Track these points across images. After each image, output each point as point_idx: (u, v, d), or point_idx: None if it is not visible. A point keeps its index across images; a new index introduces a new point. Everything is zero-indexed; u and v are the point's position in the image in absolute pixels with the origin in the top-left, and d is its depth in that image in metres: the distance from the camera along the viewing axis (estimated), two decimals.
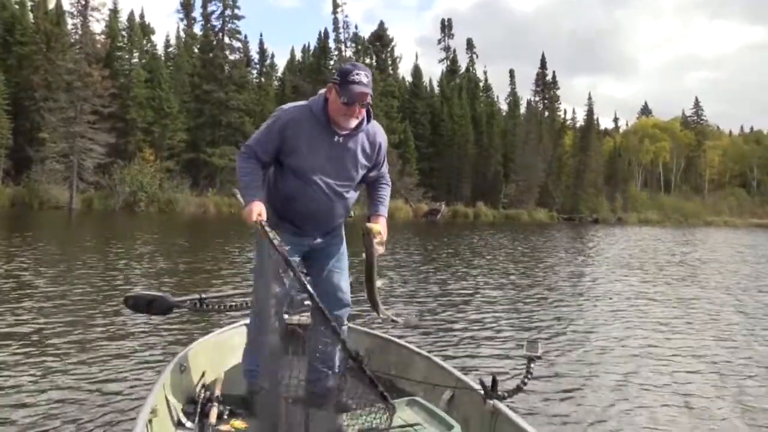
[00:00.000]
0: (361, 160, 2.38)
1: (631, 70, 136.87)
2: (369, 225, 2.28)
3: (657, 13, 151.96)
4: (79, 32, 34.48)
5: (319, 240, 2.44)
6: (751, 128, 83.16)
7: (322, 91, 2.36)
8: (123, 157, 33.90)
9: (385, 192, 2.50)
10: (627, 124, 78.84)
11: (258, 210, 2.21)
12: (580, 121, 58.10)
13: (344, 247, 2.55)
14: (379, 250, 2.25)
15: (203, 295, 3.13)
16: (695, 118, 75.58)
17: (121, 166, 32.71)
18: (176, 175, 35.68)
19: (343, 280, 2.51)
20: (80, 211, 29.69)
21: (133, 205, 32.04)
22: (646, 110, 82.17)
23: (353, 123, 2.29)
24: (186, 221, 26.50)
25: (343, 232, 2.57)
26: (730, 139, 78.47)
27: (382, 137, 2.42)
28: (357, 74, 2.21)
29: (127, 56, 39.29)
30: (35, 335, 4.72)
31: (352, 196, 2.44)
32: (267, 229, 2.13)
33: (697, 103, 76.73)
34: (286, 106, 2.39)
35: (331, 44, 46.10)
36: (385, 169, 2.52)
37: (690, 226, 50.35)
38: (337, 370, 2.45)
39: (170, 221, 25.43)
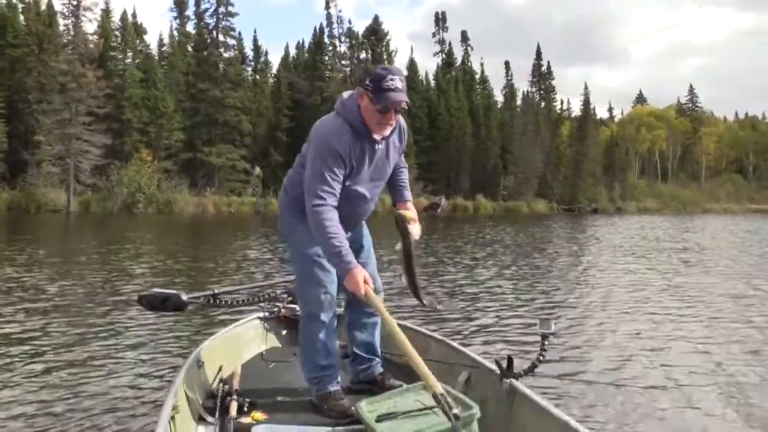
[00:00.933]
0: (394, 156, 2.37)
1: (624, 59, 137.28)
2: (402, 212, 2.25)
3: (648, 1, 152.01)
4: (72, 33, 34.25)
5: (349, 234, 2.41)
6: (746, 114, 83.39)
7: (346, 94, 2.27)
8: (120, 158, 33.76)
9: (406, 175, 2.51)
10: (622, 113, 78.98)
11: (363, 277, 2.09)
12: (576, 111, 58.20)
13: (370, 237, 2.56)
14: (415, 236, 2.23)
15: (216, 291, 3.12)
16: (690, 105, 75.70)
17: (118, 167, 32.57)
18: (174, 175, 35.54)
19: (375, 269, 2.53)
20: (78, 214, 29.58)
21: (131, 207, 31.90)
22: (641, 98, 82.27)
23: (388, 131, 2.24)
24: (185, 221, 26.44)
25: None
26: (725, 125, 78.57)
27: (404, 123, 2.40)
28: (392, 79, 2.10)
29: (120, 56, 39.12)
30: (47, 338, 4.67)
31: None
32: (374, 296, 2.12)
33: (691, 90, 76.95)
34: (322, 129, 2.22)
35: (326, 40, 45.97)
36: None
37: (689, 213, 50.52)
38: (379, 357, 2.57)
39: (169, 222, 25.36)
